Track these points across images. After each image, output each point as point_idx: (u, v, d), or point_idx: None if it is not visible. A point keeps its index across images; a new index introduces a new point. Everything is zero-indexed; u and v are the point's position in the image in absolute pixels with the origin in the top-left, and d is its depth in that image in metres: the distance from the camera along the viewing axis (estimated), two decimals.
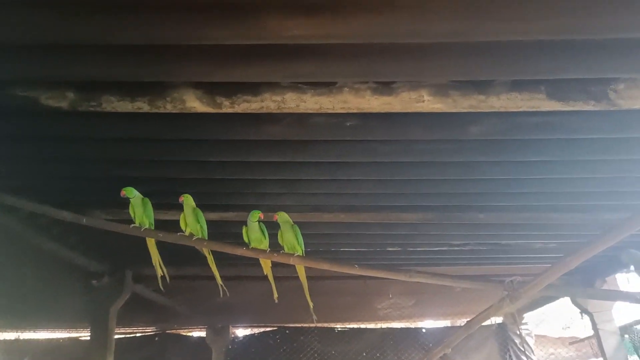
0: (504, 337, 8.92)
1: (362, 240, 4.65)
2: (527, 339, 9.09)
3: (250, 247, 3.16)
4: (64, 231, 4.62)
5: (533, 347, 9.09)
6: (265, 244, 3.18)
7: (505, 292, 2.85)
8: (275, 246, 3.17)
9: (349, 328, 8.04)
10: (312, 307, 3.35)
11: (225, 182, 3.50)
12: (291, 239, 3.17)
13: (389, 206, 3.83)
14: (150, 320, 7.61)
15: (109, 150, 3.10)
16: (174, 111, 2.56)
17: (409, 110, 2.40)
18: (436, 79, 2.24)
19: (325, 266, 3.10)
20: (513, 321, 8.79)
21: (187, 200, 3.14)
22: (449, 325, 10.31)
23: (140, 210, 3.17)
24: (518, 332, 8.93)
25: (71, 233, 4.72)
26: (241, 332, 8.97)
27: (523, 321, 9.05)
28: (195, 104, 2.51)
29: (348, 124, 2.65)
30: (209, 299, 7.02)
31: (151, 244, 3.33)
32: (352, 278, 6.16)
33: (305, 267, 5.41)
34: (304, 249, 3.22)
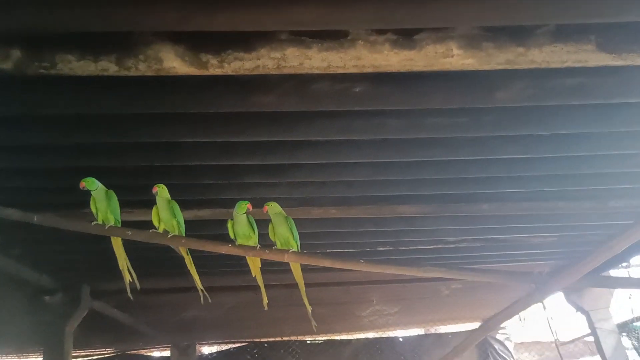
0: (483, 343, 8.69)
1: (351, 240, 4.24)
2: (507, 343, 8.90)
3: (237, 243, 2.71)
4: (7, 241, 4.01)
5: (512, 351, 8.92)
6: (254, 240, 2.74)
7: (532, 285, 2.52)
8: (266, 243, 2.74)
9: (332, 339, 7.60)
10: (310, 311, 2.92)
11: (201, 170, 3.03)
12: (285, 233, 2.74)
13: (384, 197, 3.45)
14: (109, 340, 6.91)
15: (62, 133, 2.58)
16: (149, 73, 2.09)
17: (434, 68, 2.04)
18: (469, 24, 1.89)
19: (326, 263, 2.69)
20: None
21: (162, 192, 2.66)
22: (423, 333, 10.05)
23: (104, 205, 2.68)
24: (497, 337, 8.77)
25: (16, 243, 4.11)
26: (207, 349, 8.34)
27: (501, 325, 8.86)
28: (175, 63, 2.06)
29: (357, 90, 2.26)
30: (173, 314, 6.43)
31: (117, 244, 2.83)
32: (333, 285, 5.74)
33: (278, 273, 5.01)
34: (299, 244, 2.79)
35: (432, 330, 10.59)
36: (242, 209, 2.67)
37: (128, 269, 2.87)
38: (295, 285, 5.78)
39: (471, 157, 2.83)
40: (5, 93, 2.27)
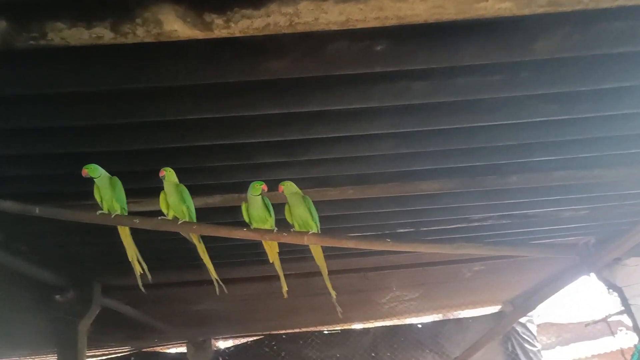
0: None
1: (368, 222, 4.02)
2: (529, 325, 8.68)
3: (252, 227, 2.52)
4: (11, 237, 3.83)
5: (535, 334, 8.69)
6: (270, 223, 2.54)
7: (576, 256, 2.30)
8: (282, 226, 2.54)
9: (350, 329, 7.42)
10: (334, 296, 2.72)
11: (208, 151, 2.81)
12: (303, 214, 2.54)
13: (406, 173, 3.23)
14: (123, 337, 6.77)
15: (57, 114, 2.38)
16: (148, 39, 1.88)
17: (467, 16, 1.81)
18: None
19: (349, 244, 2.48)
20: (512, 308, 8.39)
21: (169, 176, 2.47)
22: (442, 318, 9.86)
23: (109, 192, 2.50)
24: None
25: (20, 239, 3.94)
26: (222, 343, 8.20)
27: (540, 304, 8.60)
28: (176, 25, 1.84)
29: (378, 49, 2.04)
30: (187, 309, 6.27)
31: (125, 234, 2.66)
32: (350, 272, 5.53)
33: (292, 262, 4.80)
34: (319, 226, 2.59)
35: (450, 316, 10.40)
36: (256, 190, 2.47)
37: (138, 260, 2.69)
38: (311, 274, 5.61)
39: (503, 122, 2.60)
40: None
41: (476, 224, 4.14)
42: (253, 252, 4.51)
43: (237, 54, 2.10)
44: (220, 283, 2.70)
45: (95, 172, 2.44)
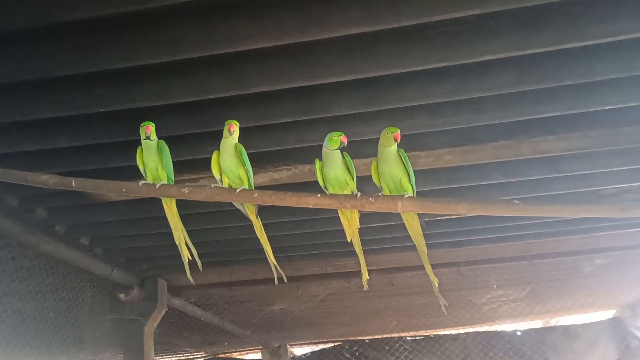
0: (623, 333, 7.27)
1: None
2: None
3: (327, 193, 1.90)
4: (70, 230, 3.52)
5: None
6: (352, 186, 1.91)
7: None
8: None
9: (437, 335, 6.59)
10: (437, 285, 2.04)
11: (269, 102, 2.25)
12: (397, 173, 1.88)
13: (524, 125, 2.49)
14: (196, 342, 6.42)
15: (81, 53, 1.93)
16: None
17: None
18: None
19: (460, 209, 1.79)
20: (631, 313, 7.16)
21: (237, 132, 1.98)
22: (541, 325, 8.69)
23: (155, 159, 2.05)
24: None
25: (80, 232, 3.62)
26: (298, 350, 7.65)
27: None
28: None
29: None
30: (260, 310, 5.78)
31: (171, 211, 2.19)
32: (441, 267, 4.76)
33: (372, 254, 4.09)
34: (415, 189, 1.93)
35: (552, 322, 9.18)
36: (333, 142, 1.85)
37: (186, 244, 2.18)
38: (395, 270, 4.87)
39: None
40: None
41: (608, 200, 3.25)
42: (329, 241, 3.90)
43: None
44: (279, 270, 2.12)
45: (154, 132, 2.00)
